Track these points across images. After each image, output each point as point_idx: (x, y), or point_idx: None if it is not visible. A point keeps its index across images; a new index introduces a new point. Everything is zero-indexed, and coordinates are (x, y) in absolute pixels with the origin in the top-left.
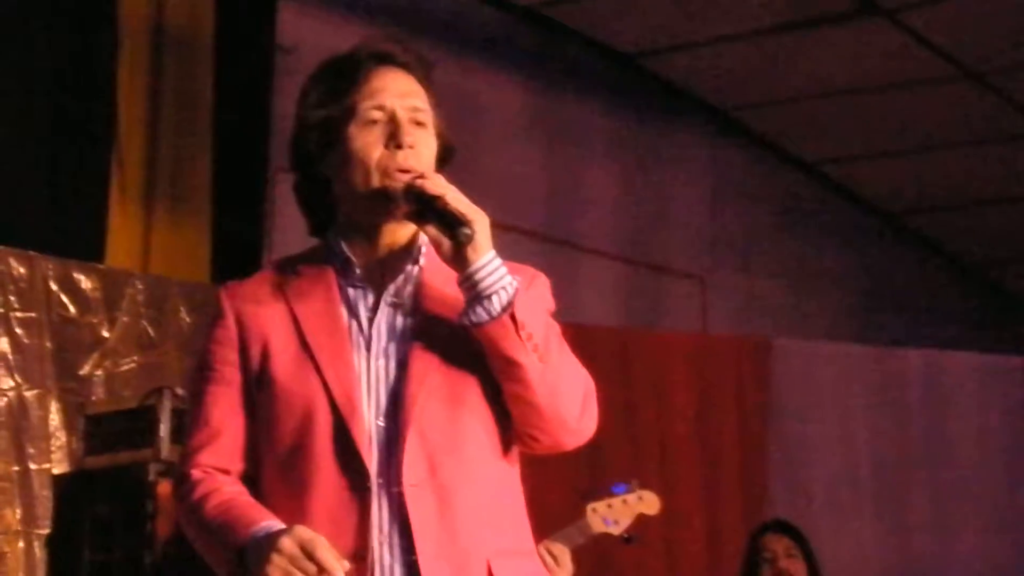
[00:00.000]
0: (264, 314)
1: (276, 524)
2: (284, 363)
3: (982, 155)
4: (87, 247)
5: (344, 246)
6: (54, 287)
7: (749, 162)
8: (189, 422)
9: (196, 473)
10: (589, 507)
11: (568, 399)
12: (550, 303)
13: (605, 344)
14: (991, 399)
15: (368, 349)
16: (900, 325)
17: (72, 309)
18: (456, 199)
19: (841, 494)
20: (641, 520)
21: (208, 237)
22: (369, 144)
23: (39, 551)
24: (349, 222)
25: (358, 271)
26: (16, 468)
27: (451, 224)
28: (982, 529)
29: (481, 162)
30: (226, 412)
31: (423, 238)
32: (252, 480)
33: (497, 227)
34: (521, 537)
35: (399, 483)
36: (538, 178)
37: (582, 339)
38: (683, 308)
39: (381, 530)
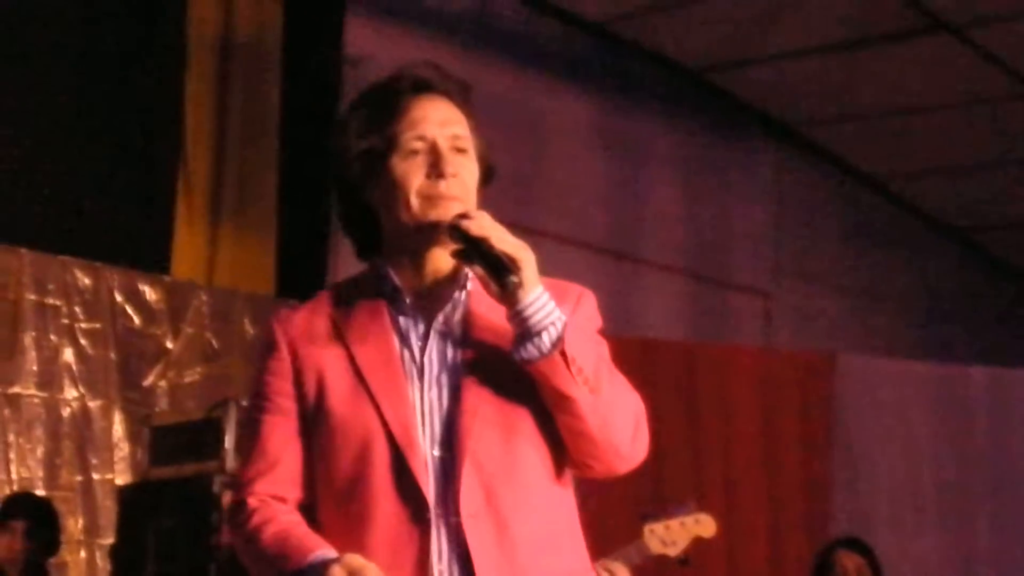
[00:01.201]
0: (318, 345)
1: (331, 553)
2: (340, 395)
3: None
4: (153, 258)
5: (392, 274)
6: (119, 298)
7: (814, 178)
8: (244, 452)
9: (253, 501)
10: (647, 528)
11: (620, 427)
12: (598, 321)
13: (670, 358)
14: None
15: (421, 379)
16: (965, 341)
17: (137, 320)
18: (501, 240)
19: (904, 512)
20: (697, 542)
21: (273, 249)
22: (411, 174)
23: (101, 561)
24: (395, 249)
25: (408, 300)
26: (79, 478)
27: (498, 271)
28: None
29: (547, 176)
30: (283, 442)
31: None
32: (308, 509)
33: (562, 240)
34: (577, 559)
35: (457, 513)
36: (603, 192)
37: (647, 353)
38: (747, 323)
39: (440, 560)
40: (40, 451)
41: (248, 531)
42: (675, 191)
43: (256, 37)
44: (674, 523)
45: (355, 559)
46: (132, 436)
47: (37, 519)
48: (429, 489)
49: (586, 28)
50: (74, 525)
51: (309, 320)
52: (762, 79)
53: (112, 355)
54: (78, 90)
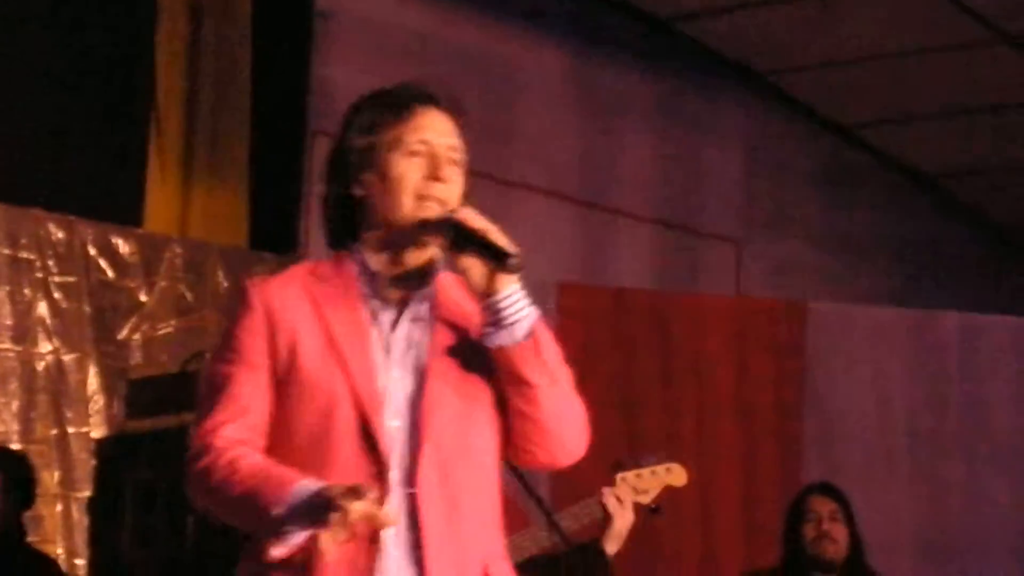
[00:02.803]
0: (292, 310)
1: (315, 482)
2: (311, 356)
3: (1020, 119)
4: (126, 212)
5: (370, 261)
6: (93, 251)
7: (785, 126)
8: (209, 402)
9: (220, 442)
10: (619, 476)
11: (570, 421)
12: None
13: (642, 308)
14: None
15: (387, 357)
16: (936, 289)
17: (111, 273)
18: (495, 232)
19: (876, 458)
20: (669, 491)
21: (246, 201)
22: (409, 172)
23: (78, 514)
24: (376, 240)
25: (382, 286)
26: (55, 431)
27: (500, 256)
28: (1018, 493)
29: (519, 127)
30: (252, 393)
31: (439, 260)
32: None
33: (535, 191)
34: (500, 539)
35: (414, 484)
36: (575, 142)
37: (619, 303)
38: (718, 272)
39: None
40: (15, 405)
41: (218, 469)
42: (647, 140)
43: None
44: (645, 472)
45: (358, 485)
46: (107, 389)
47: (13, 473)
48: (389, 455)
49: None
50: (50, 478)
51: (284, 288)
52: (733, 27)
53: (86, 308)
54: (51, 47)
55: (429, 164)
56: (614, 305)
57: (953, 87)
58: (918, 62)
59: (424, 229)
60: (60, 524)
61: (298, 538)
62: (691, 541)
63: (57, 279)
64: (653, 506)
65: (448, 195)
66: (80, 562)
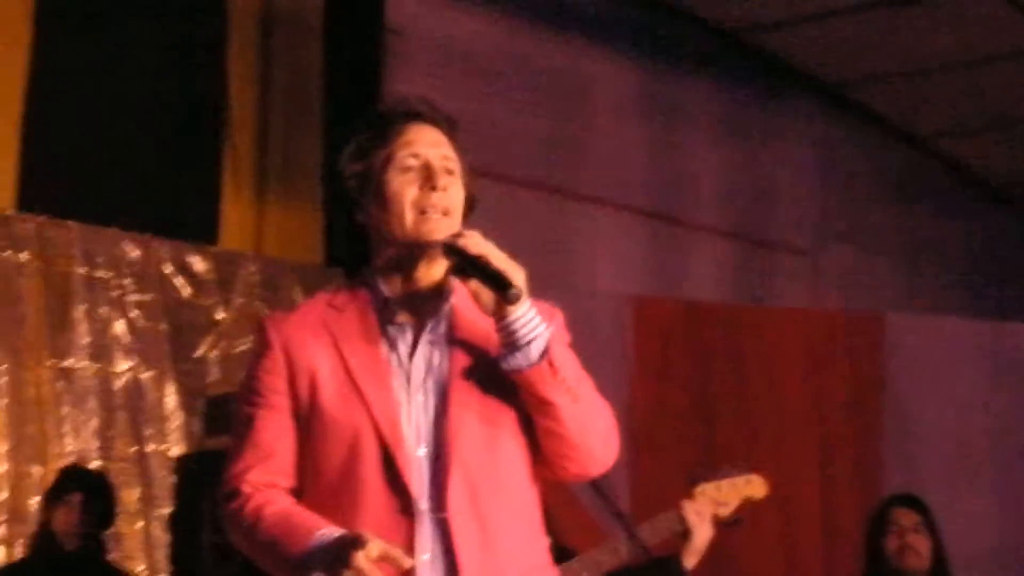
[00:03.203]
0: (310, 347)
1: (335, 530)
2: (331, 394)
3: None
4: (201, 230)
5: (382, 286)
6: (169, 270)
7: (857, 137)
8: (235, 446)
9: (247, 488)
10: (697, 489)
11: (595, 432)
12: (567, 336)
13: (716, 321)
14: None
15: (408, 384)
16: (1011, 299)
17: (187, 291)
18: (497, 257)
19: (955, 469)
20: (748, 503)
21: (320, 218)
22: (405, 187)
23: (158, 531)
24: (386, 263)
25: (397, 311)
26: (134, 449)
27: (499, 284)
28: None
29: (590, 141)
30: (275, 436)
31: (450, 276)
32: (297, 496)
33: (606, 204)
34: (543, 554)
35: (444, 510)
36: (646, 155)
37: (692, 316)
38: (793, 284)
39: (424, 551)
40: (94, 423)
41: (246, 516)
42: (718, 153)
43: (297, 8)
44: (724, 483)
45: (376, 542)
46: (185, 407)
47: (93, 491)
48: (415, 485)
49: None
50: (130, 496)
51: (301, 324)
52: (804, 38)
53: (163, 326)
54: (123, 66)
55: (423, 175)
56: (689, 318)
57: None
58: (989, 71)
59: (422, 249)
60: (141, 541)
61: None
62: (771, 553)
63: (134, 298)
64: (732, 518)
65: (448, 203)
66: None
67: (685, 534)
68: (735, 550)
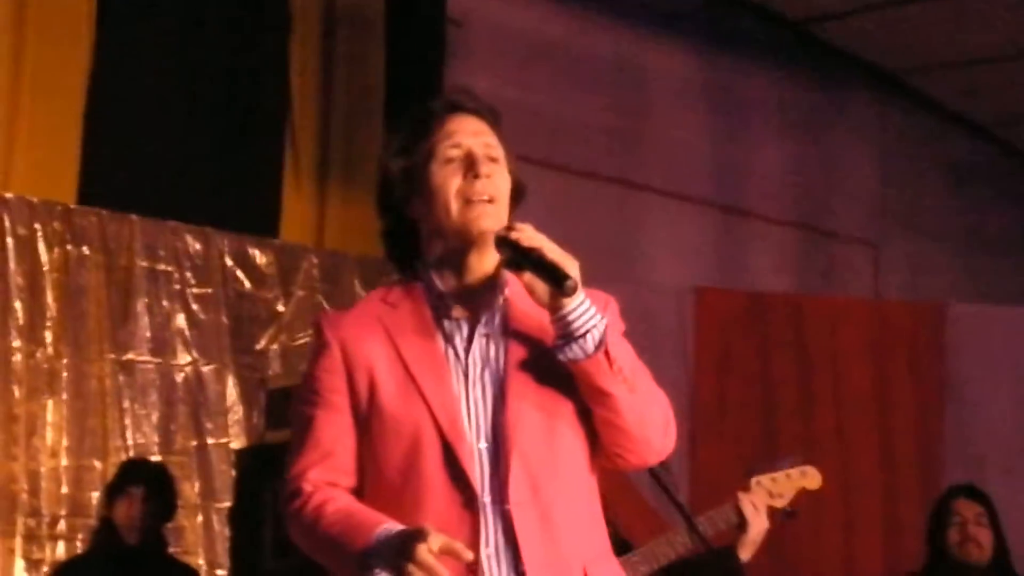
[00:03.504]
0: (367, 345)
1: (395, 525)
2: (390, 391)
3: None
4: (262, 223)
5: (436, 281)
6: (229, 263)
7: (919, 126)
8: (295, 446)
9: (308, 487)
10: (754, 480)
11: (653, 422)
12: (622, 325)
13: (779, 311)
14: None
15: (466, 378)
16: None
17: (248, 284)
18: (551, 249)
19: (1017, 459)
20: (804, 494)
21: None
22: (449, 178)
23: (218, 525)
24: (438, 258)
25: (452, 305)
26: (194, 443)
27: (555, 277)
28: None
29: (651, 131)
30: (336, 435)
31: (502, 269)
32: (359, 495)
33: (668, 195)
34: (605, 541)
35: (506, 501)
36: (707, 146)
37: (755, 306)
38: (855, 274)
39: (488, 544)
40: (155, 417)
41: (307, 514)
42: (779, 143)
43: (359, 1)
44: (780, 475)
45: (438, 535)
46: (246, 400)
47: (154, 484)
48: (476, 479)
49: None
50: (190, 489)
51: (357, 322)
52: (863, 28)
53: (224, 319)
54: (186, 59)
55: (466, 164)
56: (751, 308)
57: None
58: None
59: (470, 237)
60: (201, 535)
61: None
62: (832, 543)
63: (195, 290)
64: (789, 510)
65: (493, 190)
66: (221, 572)
67: (741, 526)
68: (797, 542)
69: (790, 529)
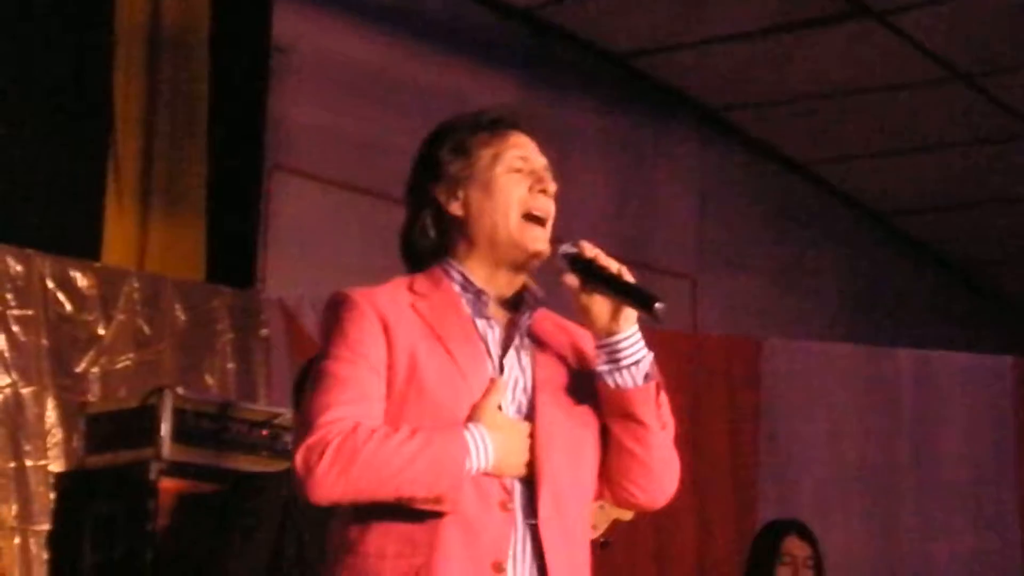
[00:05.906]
0: (406, 325)
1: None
2: (433, 374)
3: (972, 156)
4: (83, 245)
5: (473, 279)
6: (50, 285)
7: (740, 162)
8: (327, 394)
9: (349, 422)
10: None
11: (673, 466)
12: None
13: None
14: (979, 398)
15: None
16: (890, 325)
17: (68, 307)
18: (626, 272)
19: (831, 493)
20: (618, 525)
21: (204, 235)
22: (512, 184)
23: (36, 548)
24: (474, 258)
25: (489, 305)
26: (12, 465)
27: (644, 300)
28: (970, 528)
29: None
30: (377, 394)
31: (531, 285)
32: None
33: None
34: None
35: (535, 516)
36: None
37: None
38: (673, 308)
39: (514, 548)
40: None
41: (369, 443)
42: (600, 176)
43: (184, 24)
44: (594, 506)
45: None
46: (65, 423)
47: None
48: (509, 482)
49: (512, 14)
50: (7, 512)
51: (393, 301)
52: (688, 64)
53: (44, 341)
54: (6, 78)
55: (533, 178)
56: None
57: (905, 124)
58: (869, 99)
59: (521, 254)
60: (18, 558)
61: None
62: (647, 573)
63: (15, 312)
64: (603, 540)
65: (551, 211)
66: None
67: None
68: (615, 573)
69: (606, 559)
